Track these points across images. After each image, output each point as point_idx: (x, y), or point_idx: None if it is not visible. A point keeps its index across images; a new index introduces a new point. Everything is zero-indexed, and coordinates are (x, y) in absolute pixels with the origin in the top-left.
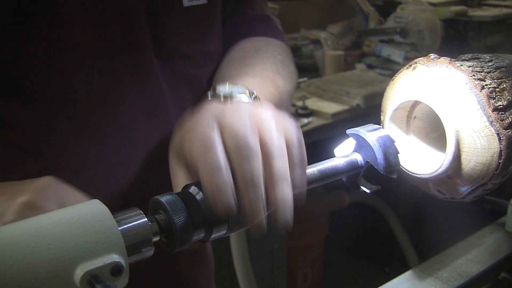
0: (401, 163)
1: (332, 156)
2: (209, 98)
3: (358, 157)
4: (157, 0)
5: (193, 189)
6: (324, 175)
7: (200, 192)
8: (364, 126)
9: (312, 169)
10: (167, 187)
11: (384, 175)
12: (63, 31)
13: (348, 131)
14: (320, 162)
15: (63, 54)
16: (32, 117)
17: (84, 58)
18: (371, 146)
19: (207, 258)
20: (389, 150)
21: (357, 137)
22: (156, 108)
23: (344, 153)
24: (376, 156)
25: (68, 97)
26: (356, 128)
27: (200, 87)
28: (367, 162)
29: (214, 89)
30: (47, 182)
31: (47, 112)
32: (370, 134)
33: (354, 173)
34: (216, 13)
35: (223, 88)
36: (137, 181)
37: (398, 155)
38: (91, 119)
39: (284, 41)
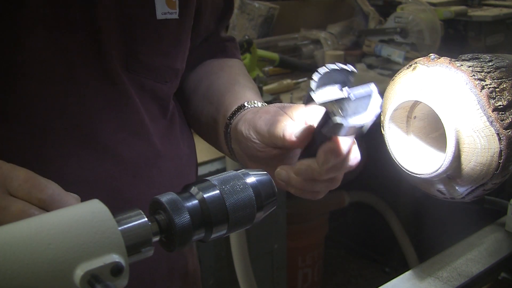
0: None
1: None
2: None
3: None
4: (131, 10)
5: (193, 189)
6: None
7: (200, 192)
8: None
9: None
10: (134, 202)
11: None
12: (20, 39)
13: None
14: None
15: (19, 63)
16: None
17: (42, 68)
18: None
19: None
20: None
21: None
22: (127, 120)
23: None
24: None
25: (26, 110)
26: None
27: (165, 103)
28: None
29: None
30: None
31: (2, 127)
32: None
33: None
34: (186, 30)
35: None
36: (105, 197)
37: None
38: (52, 134)
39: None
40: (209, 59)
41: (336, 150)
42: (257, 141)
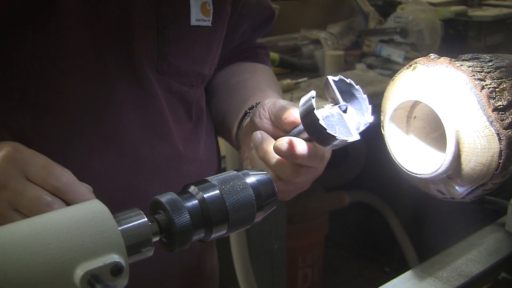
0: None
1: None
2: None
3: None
4: (166, 13)
5: (193, 189)
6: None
7: (200, 192)
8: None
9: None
10: (149, 200)
11: None
12: (57, 34)
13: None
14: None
15: (55, 58)
16: (18, 119)
17: (76, 64)
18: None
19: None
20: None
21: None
22: (151, 121)
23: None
24: None
25: (56, 103)
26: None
27: (190, 106)
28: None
29: None
30: (7, 154)
31: (33, 116)
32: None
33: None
34: (217, 38)
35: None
36: (122, 193)
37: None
38: (78, 127)
39: (269, 66)
40: (239, 62)
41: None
42: (265, 119)
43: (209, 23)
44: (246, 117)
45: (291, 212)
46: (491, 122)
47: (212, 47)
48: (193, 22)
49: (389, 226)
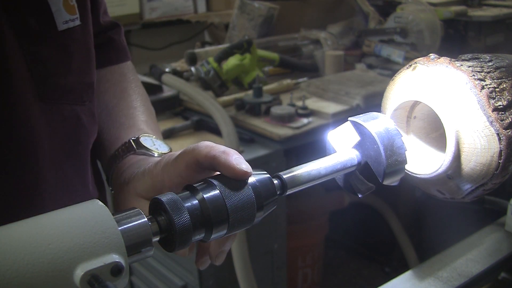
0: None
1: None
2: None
3: (353, 155)
4: (30, 28)
5: (193, 189)
6: (309, 179)
7: (200, 192)
8: (367, 114)
9: (299, 171)
10: None
11: (383, 182)
12: None
13: (350, 119)
14: (308, 163)
15: None
16: None
17: None
18: (373, 138)
19: None
20: (394, 145)
21: (357, 126)
22: (23, 160)
23: (339, 139)
24: (378, 152)
25: None
26: (358, 117)
27: (83, 129)
28: (365, 162)
29: (139, 144)
30: None
31: None
32: (371, 124)
33: (349, 171)
34: (90, 34)
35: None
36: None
37: (406, 152)
38: None
39: (129, 58)
40: (99, 68)
41: None
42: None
43: (78, 21)
44: (117, 160)
45: (291, 212)
46: (491, 122)
47: (90, 48)
48: (61, 26)
49: (389, 226)
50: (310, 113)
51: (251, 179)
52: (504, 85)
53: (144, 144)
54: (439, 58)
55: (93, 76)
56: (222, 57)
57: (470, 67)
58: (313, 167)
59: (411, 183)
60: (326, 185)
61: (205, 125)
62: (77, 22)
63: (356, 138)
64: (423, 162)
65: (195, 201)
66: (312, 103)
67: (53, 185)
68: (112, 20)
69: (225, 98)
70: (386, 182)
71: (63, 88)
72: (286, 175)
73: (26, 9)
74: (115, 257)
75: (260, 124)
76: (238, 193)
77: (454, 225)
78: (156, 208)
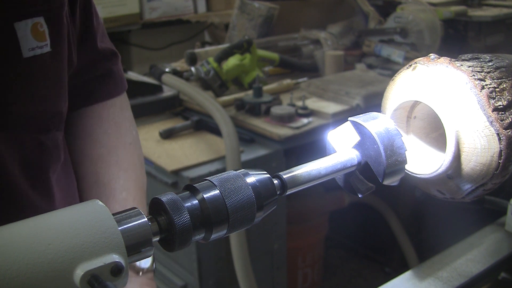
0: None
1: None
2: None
3: (353, 155)
4: None
5: (193, 189)
6: (309, 179)
7: (200, 192)
8: (367, 114)
9: (300, 171)
10: None
11: (383, 182)
12: None
13: (350, 119)
14: (308, 163)
15: None
16: None
17: None
18: (373, 138)
19: None
20: (394, 145)
21: (357, 126)
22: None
23: (339, 139)
24: (378, 152)
25: None
26: (358, 117)
27: (47, 156)
28: (365, 162)
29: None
30: None
31: None
32: (371, 124)
33: (349, 171)
34: (63, 62)
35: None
36: None
37: (406, 152)
38: None
39: (126, 87)
40: (87, 106)
41: None
42: None
43: (48, 48)
44: None
45: (291, 212)
46: (491, 122)
47: (60, 75)
48: (26, 53)
49: (389, 226)
50: (310, 113)
51: (251, 179)
52: (504, 85)
53: None
54: (439, 58)
55: (62, 104)
56: (222, 57)
57: (470, 67)
58: (313, 167)
59: (411, 183)
60: (326, 185)
61: (205, 125)
62: (46, 49)
63: (356, 138)
64: (423, 162)
65: (195, 201)
66: (312, 103)
67: (19, 209)
68: (110, 48)
69: (225, 98)
70: (386, 182)
71: (24, 116)
72: (286, 175)
73: None
74: (115, 257)
75: (260, 124)
76: (238, 193)
77: (454, 225)
78: (156, 208)
